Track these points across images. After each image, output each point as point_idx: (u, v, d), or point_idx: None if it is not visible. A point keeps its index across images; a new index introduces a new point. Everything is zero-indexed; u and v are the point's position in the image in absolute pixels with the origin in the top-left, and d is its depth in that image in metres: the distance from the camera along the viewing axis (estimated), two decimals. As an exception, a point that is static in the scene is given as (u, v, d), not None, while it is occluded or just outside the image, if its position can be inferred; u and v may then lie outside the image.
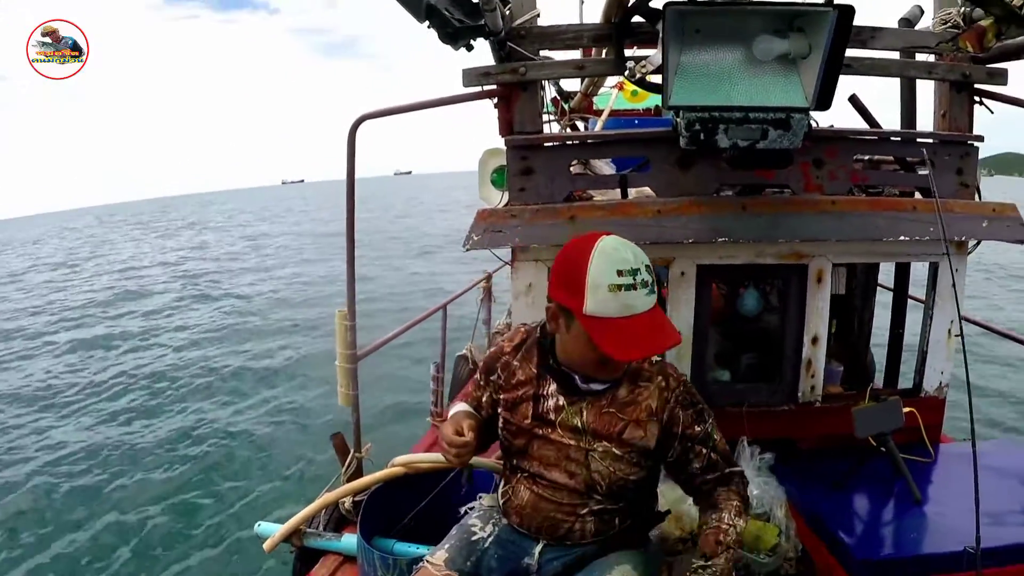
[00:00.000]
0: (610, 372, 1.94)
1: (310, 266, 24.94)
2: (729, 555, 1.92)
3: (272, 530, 3.18)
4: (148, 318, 17.55)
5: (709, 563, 1.91)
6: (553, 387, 2.01)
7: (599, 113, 5.90)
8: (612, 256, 1.73)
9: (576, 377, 1.98)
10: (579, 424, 1.98)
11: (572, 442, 1.99)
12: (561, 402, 2.00)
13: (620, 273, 1.72)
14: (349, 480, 3.36)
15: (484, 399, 2.19)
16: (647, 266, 1.77)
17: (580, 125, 5.77)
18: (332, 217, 46.79)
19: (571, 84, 5.86)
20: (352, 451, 3.44)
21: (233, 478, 7.62)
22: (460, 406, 2.24)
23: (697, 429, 1.99)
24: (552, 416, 2.00)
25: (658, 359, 2.04)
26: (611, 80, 5.35)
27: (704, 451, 2.00)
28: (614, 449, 1.97)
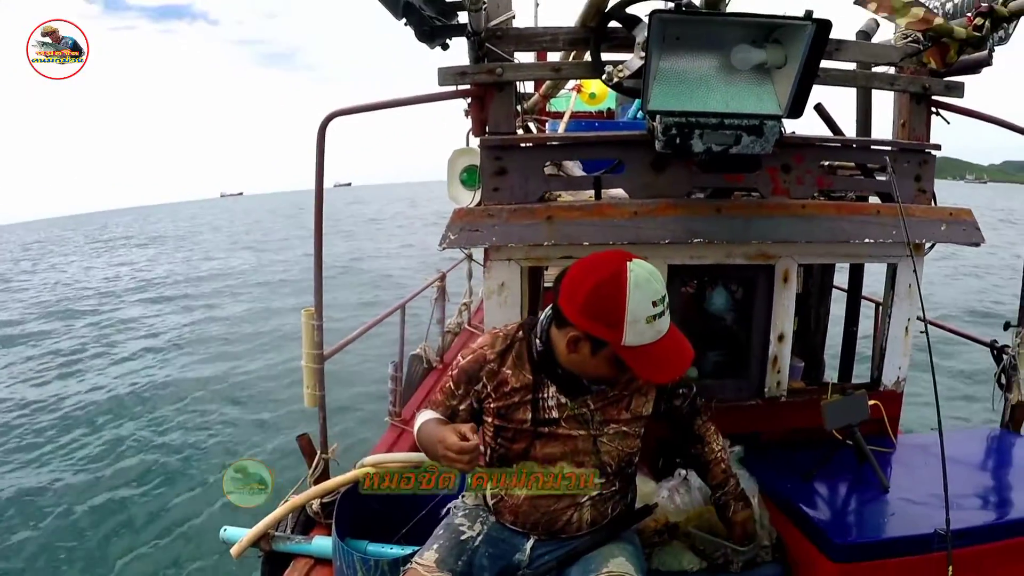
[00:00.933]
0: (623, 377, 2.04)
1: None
2: (733, 476, 2.37)
3: (239, 535, 3.13)
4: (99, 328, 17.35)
5: (726, 489, 2.31)
6: (552, 389, 2.05)
7: (552, 115, 5.95)
8: (647, 289, 1.77)
9: (584, 380, 2.03)
10: (586, 413, 2.05)
11: (581, 432, 2.06)
12: (563, 400, 2.05)
13: (655, 304, 1.78)
14: (316, 482, 3.32)
15: (462, 408, 2.16)
16: (664, 285, 1.84)
17: (532, 127, 5.81)
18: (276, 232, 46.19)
19: (525, 85, 5.89)
20: (319, 452, 3.40)
21: (193, 483, 7.53)
22: (428, 414, 2.19)
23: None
24: (555, 414, 2.05)
25: None
26: (569, 83, 5.41)
27: (682, 390, 2.28)
28: (623, 428, 2.09)
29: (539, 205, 2.75)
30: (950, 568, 1.90)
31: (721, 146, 2.40)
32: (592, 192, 2.88)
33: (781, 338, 2.96)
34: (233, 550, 3.08)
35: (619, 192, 2.89)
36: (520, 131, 5.45)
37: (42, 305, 21.40)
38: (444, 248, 2.72)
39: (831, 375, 3.63)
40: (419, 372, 6.00)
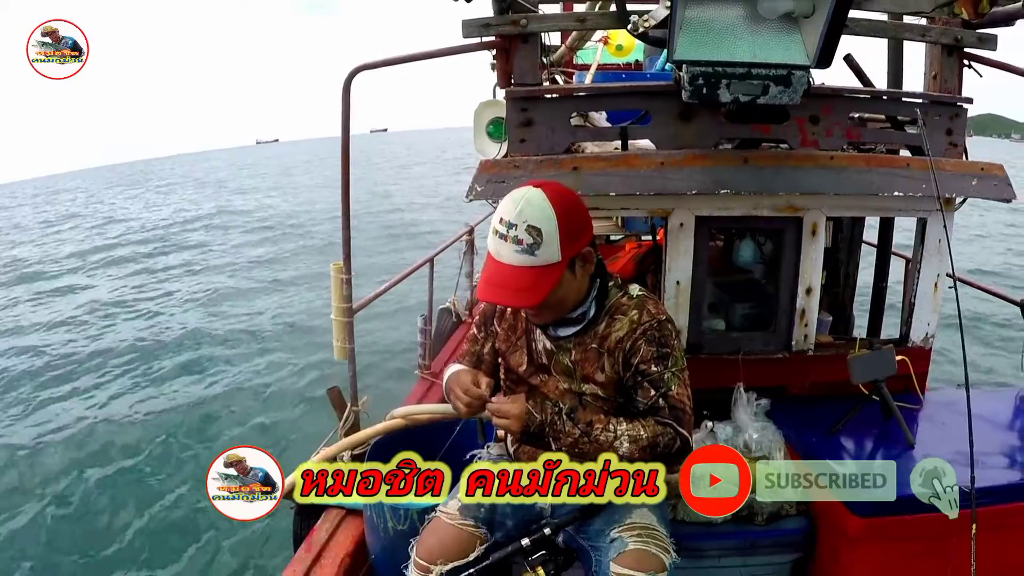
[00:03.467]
0: (533, 317, 2.04)
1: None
2: (583, 437, 1.88)
3: (271, 487, 3.19)
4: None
5: (572, 418, 1.90)
6: (538, 332, 2.08)
7: (579, 67, 5.86)
8: (505, 205, 1.82)
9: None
10: (569, 363, 2.03)
11: (567, 385, 2.04)
12: (549, 345, 2.06)
13: (500, 221, 1.81)
14: (347, 434, 3.36)
15: (486, 351, 2.22)
16: (529, 227, 1.78)
17: (559, 79, 5.74)
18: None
19: (551, 38, 5.79)
20: (349, 405, 3.44)
21: (227, 436, 7.56)
22: (456, 367, 2.23)
23: (654, 369, 1.93)
24: (545, 360, 2.06)
25: (639, 293, 2.02)
26: (595, 35, 5.33)
27: (653, 393, 1.94)
28: (599, 391, 2.01)
29: (565, 156, 2.74)
30: (974, 526, 1.89)
31: (748, 96, 2.38)
32: (619, 143, 2.86)
33: (809, 291, 2.93)
34: (265, 502, 3.14)
35: (646, 143, 2.87)
36: (547, 84, 5.41)
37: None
38: (470, 200, 2.72)
39: (861, 331, 3.59)
40: (448, 325, 6.03)
